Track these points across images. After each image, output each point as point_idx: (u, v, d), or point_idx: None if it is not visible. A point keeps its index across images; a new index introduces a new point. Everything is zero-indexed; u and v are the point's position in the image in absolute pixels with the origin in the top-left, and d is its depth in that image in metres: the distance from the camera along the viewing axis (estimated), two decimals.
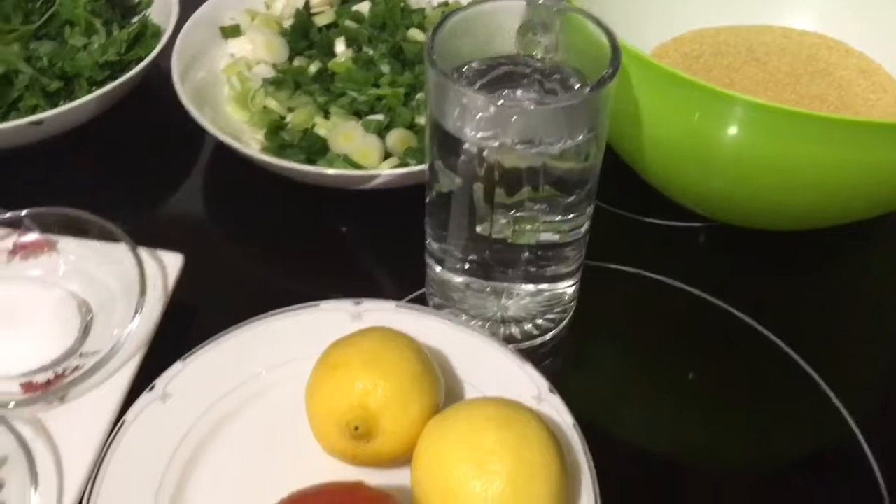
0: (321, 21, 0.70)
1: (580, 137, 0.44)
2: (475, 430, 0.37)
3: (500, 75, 0.48)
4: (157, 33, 0.67)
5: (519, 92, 0.47)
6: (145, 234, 0.52)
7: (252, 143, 0.62)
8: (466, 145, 0.44)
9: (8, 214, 0.52)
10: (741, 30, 0.70)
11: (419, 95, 0.62)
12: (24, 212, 0.52)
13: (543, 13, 0.47)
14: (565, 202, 0.47)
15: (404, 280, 0.55)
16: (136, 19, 0.70)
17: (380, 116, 0.61)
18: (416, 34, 0.66)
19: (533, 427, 0.37)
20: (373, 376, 0.40)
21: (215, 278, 0.56)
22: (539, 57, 0.48)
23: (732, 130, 0.48)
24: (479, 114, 0.43)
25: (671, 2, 0.69)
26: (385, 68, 0.64)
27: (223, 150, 0.58)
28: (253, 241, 0.60)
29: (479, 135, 0.43)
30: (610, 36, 0.45)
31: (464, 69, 0.48)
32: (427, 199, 0.49)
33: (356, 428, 0.39)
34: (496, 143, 0.43)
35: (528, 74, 0.48)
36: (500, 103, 0.42)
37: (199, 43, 0.66)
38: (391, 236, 0.59)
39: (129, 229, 0.51)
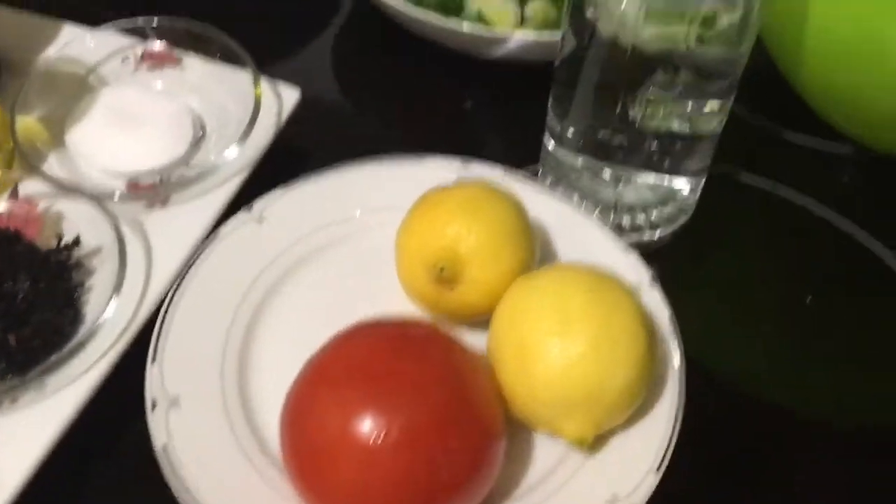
0: None
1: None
2: (564, 290, 0.35)
3: None
4: None
5: None
6: (268, 64, 0.52)
7: None
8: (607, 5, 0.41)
9: (139, 21, 0.52)
10: None
11: None
12: (154, 21, 0.52)
13: None
14: (702, 91, 0.43)
15: (519, 153, 0.53)
16: None
17: None
18: None
19: (624, 297, 0.35)
20: (468, 221, 0.38)
21: (329, 120, 0.55)
22: None
23: None
24: None
25: None
26: None
27: None
28: (373, 93, 0.59)
29: None
30: None
31: None
32: (555, 71, 0.46)
33: (442, 269, 0.37)
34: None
35: None
36: None
37: None
38: (513, 111, 0.56)
39: (254, 54, 0.51)
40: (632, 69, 0.42)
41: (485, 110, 0.57)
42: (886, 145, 0.52)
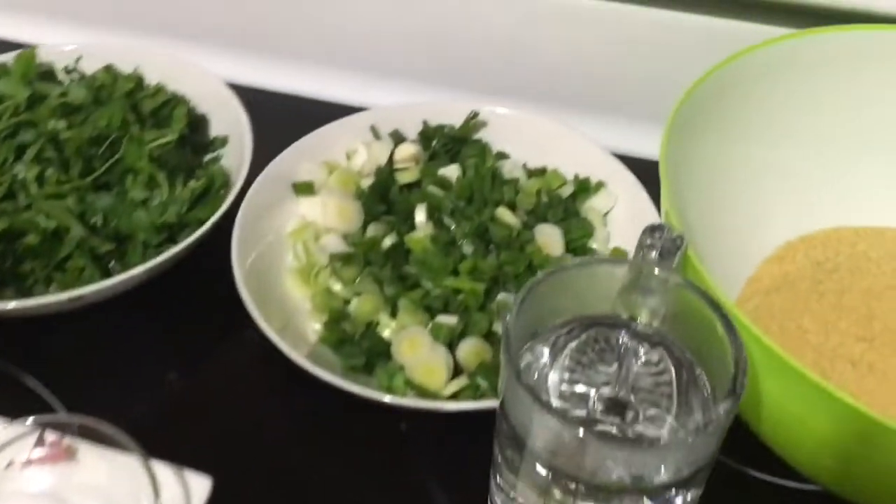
0: (404, 178, 0.63)
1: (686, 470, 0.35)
2: None
3: (590, 340, 0.40)
4: (226, 184, 0.61)
5: (605, 387, 0.38)
6: (170, 446, 0.46)
7: (309, 329, 0.55)
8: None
9: (28, 422, 0.47)
10: (889, 235, 0.59)
11: (501, 295, 0.55)
12: (43, 420, 0.47)
13: (649, 280, 0.39)
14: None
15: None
16: (208, 158, 0.65)
17: (453, 320, 0.53)
18: (504, 215, 0.59)
19: None
20: None
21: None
22: (641, 320, 0.40)
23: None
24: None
25: (805, 189, 0.59)
26: (467, 248, 0.57)
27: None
28: (300, 462, 0.53)
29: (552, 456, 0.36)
30: (731, 332, 0.37)
31: (547, 330, 0.40)
32: (495, 435, 0.41)
33: None
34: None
35: (624, 344, 0.40)
36: (582, 435, 0.34)
37: (269, 200, 0.60)
38: (454, 453, 0.51)
39: (152, 437, 0.46)
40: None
41: (428, 450, 0.52)
42: (852, 495, 0.48)
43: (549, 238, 0.58)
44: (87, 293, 0.52)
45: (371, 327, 0.54)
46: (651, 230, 0.40)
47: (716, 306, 0.38)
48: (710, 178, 0.56)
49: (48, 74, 0.66)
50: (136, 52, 0.68)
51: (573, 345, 0.40)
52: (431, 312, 0.55)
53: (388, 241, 0.58)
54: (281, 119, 0.72)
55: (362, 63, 0.77)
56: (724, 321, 0.37)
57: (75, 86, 0.63)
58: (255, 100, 0.67)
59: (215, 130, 0.67)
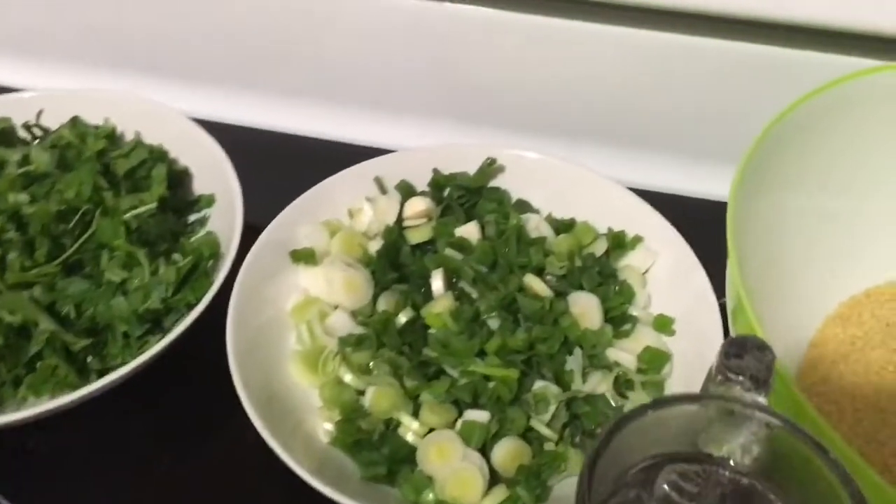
0: (415, 238, 0.56)
1: None
2: None
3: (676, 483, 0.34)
4: (214, 255, 0.54)
5: None
6: None
7: (318, 427, 0.49)
8: None
9: None
10: None
11: (537, 385, 0.48)
12: None
13: (734, 416, 0.33)
14: None
15: None
16: (193, 219, 0.58)
17: (485, 417, 0.47)
18: (534, 283, 0.52)
19: None
20: None
21: None
22: (728, 460, 0.34)
23: None
24: None
25: (871, 238, 0.53)
26: (493, 324, 0.50)
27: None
28: None
29: None
30: (846, 481, 0.30)
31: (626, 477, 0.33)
32: None
33: None
34: None
35: (709, 486, 0.34)
36: None
37: (266, 272, 0.53)
38: None
39: None
40: None
41: None
42: None
43: (586, 308, 0.52)
44: (60, 405, 0.45)
45: (391, 426, 0.48)
46: (733, 348, 0.34)
47: (822, 450, 0.31)
48: (768, 228, 0.49)
49: (6, 133, 0.58)
50: (103, 99, 0.61)
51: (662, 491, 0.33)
52: (458, 405, 0.48)
53: (402, 318, 0.51)
54: (270, 160, 0.65)
55: (364, 97, 0.69)
56: (835, 470, 0.31)
57: (37, 149, 0.55)
58: (240, 139, 0.60)
59: (199, 186, 0.60)
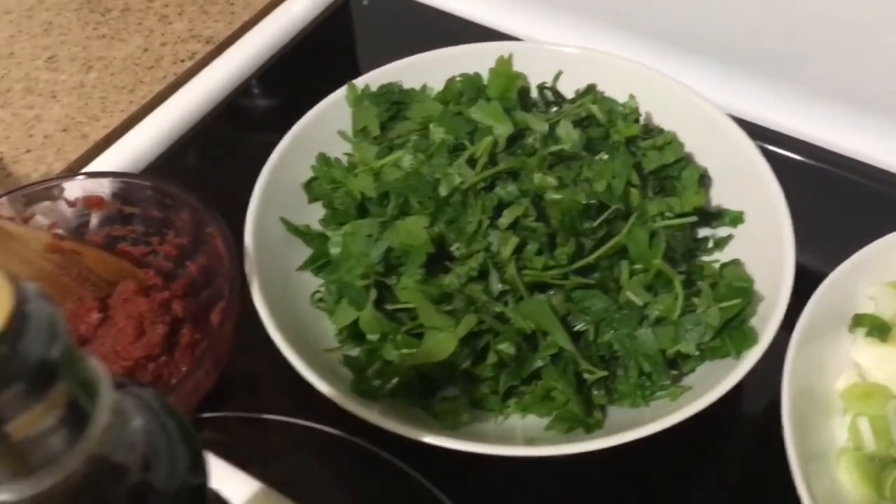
0: None
1: None
2: None
3: None
4: (746, 293, 0.43)
5: None
6: None
7: None
8: None
9: None
10: None
11: None
12: None
13: None
14: None
15: None
16: (702, 233, 0.47)
17: None
18: None
19: None
20: None
21: None
22: None
23: None
24: None
25: None
26: None
27: None
28: None
29: None
30: None
31: None
32: None
33: None
34: None
35: None
36: None
37: (816, 332, 0.42)
38: None
39: None
40: None
41: None
42: None
43: None
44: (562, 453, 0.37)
45: None
46: None
47: None
48: None
49: (522, 95, 0.50)
50: (627, 71, 0.51)
51: None
52: None
53: None
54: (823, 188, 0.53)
55: None
56: None
57: (565, 123, 0.46)
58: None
59: (720, 196, 0.49)
